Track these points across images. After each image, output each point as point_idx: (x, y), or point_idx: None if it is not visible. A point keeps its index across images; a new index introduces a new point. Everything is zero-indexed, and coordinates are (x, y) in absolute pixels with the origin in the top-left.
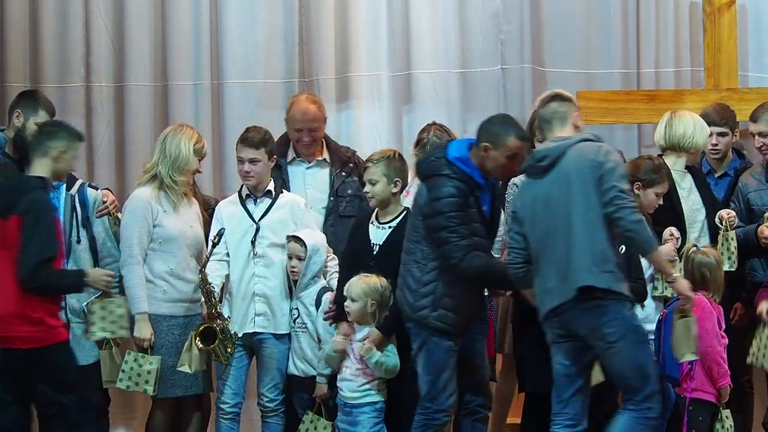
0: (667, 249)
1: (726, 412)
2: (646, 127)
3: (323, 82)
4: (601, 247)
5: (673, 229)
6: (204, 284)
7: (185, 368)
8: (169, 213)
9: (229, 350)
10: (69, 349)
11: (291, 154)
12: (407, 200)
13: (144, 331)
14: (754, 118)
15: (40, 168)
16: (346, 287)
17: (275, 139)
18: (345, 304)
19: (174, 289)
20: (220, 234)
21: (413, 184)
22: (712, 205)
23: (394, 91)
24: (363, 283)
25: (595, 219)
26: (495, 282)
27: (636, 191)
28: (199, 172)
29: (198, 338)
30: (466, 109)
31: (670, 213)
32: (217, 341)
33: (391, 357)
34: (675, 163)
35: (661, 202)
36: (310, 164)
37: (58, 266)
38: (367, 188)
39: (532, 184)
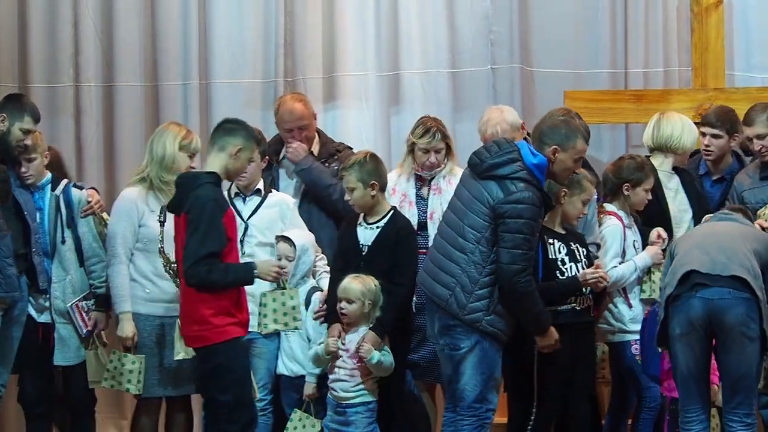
0: (654, 252)
1: (712, 411)
2: (634, 127)
3: (310, 82)
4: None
5: (660, 230)
6: (167, 264)
7: (182, 356)
8: (156, 213)
9: None
10: (236, 348)
11: (283, 152)
12: (393, 198)
13: (127, 330)
14: (748, 122)
15: (214, 163)
16: (341, 288)
17: (269, 139)
18: (340, 305)
19: (158, 289)
20: (163, 212)
21: (399, 181)
22: (699, 206)
23: (381, 91)
24: (359, 284)
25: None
26: (524, 314)
27: (626, 192)
28: (192, 168)
29: None
30: (455, 109)
31: (657, 213)
32: None
33: (387, 356)
34: (662, 164)
35: (650, 197)
36: None
37: (231, 260)
38: (347, 196)
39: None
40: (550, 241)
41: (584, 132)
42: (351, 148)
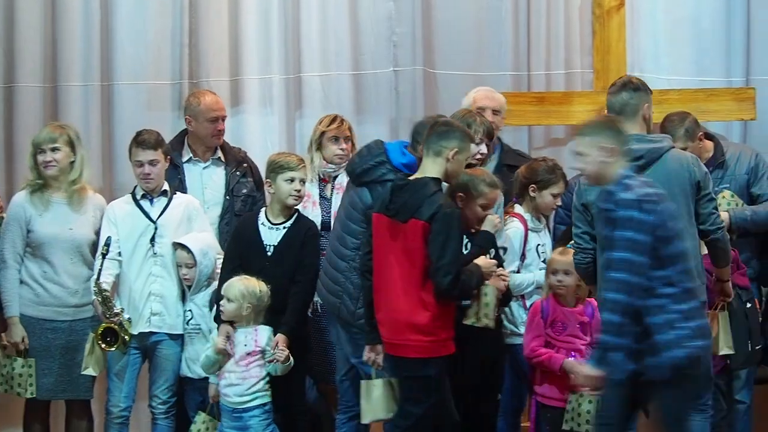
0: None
1: (584, 398)
2: (535, 129)
3: (215, 84)
4: (699, 259)
5: None
6: (100, 293)
7: (89, 371)
8: (43, 216)
9: (127, 338)
10: (446, 365)
11: (187, 154)
12: (308, 202)
13: (15, 334)
14: (665, 132)
15: (432, 168)
16: (225, 286)
17: (171, 138)
18: (221, 302)
19: (48, 293)
20: (107, 243)
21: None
22: None
23: (285, 94)
24: (242, 285)
25: (694, 231)
26: None
27: (532, 193)
28: (48, 163)
29: (100, 340)
30: (358, 112)
31: None
32: (119, 341)
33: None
34: None
35: (559, 203)
36: (206, 164)
37: None
38: (297, 186)
39: None
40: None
41: (466, 133)
42: (246, 153)
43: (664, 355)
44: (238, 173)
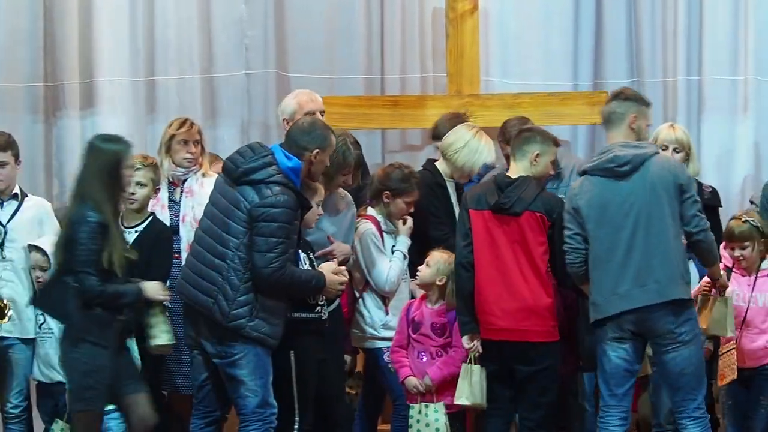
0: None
1: (429, 408)
2: (389, 133)
3: (69, 87)
4: (683, 259)
5: None
6: None
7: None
8: None
9: None
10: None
11: None
12: (157, 206)
13: None
14: (508, 139)
15: (523, 170)
16: None
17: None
18: None
19: None
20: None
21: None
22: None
23: (137, 97)
24: None
25: (677, 231)
26: (300, 293)
27: (386, 200)
28: None
29: None
30: (209, 115)
31: (444, 213)
32: None
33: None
34: (446, 169)
35: (412, 210)
36: None
37: None
38: (134, 189)
39: (602, 185)
40: None
41: (331, 128)
42: None
43: None
44: None
